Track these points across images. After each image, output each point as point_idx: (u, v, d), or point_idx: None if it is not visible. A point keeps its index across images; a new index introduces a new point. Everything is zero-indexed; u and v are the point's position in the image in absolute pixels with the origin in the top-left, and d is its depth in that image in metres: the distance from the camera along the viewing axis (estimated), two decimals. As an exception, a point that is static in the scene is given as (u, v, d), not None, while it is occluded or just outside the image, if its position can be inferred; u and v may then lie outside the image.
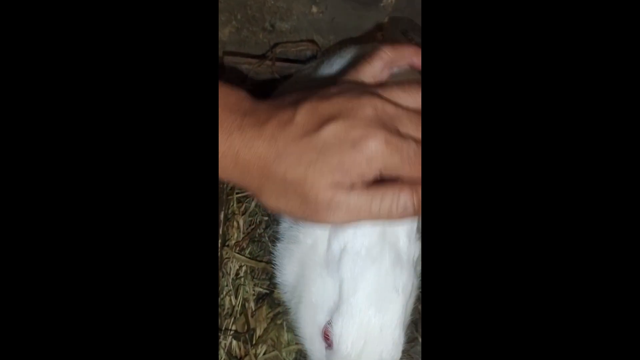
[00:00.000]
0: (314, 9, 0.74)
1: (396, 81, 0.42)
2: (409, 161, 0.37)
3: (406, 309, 0.43)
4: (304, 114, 0.37)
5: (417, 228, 0.44)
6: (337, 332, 0.42)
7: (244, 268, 0.63)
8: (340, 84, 0.41)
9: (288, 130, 0.37)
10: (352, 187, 0.37)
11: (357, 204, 0.36)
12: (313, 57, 0.71)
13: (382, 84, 0.41)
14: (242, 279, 0.62)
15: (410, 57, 0.43)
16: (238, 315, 0.61)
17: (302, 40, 0.72)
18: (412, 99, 0.40)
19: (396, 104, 0.39)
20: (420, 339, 0.59)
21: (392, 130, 0.37)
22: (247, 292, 0.62)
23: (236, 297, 0.61)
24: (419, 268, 0.45)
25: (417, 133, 0.38)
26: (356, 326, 0.41)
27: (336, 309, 0.42)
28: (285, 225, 0.50)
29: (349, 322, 0.41)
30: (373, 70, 0.42)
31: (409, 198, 0.36)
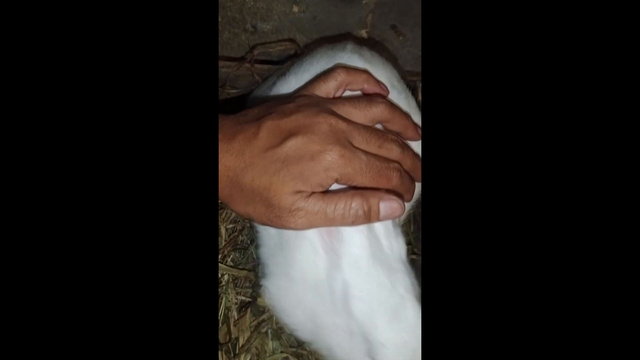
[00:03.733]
0: (295, 8, 0.73)
1: (347, 98, 0.46)
2: (360, 172, 0.41)
3: (417, 297, 0.44)
4: (267, 129, 0.41)
5: (395, 223, 0.45)
6: None
7: (225, 277, 0.61)
8: (298, 99, 0.45)
9: (254, 144, 0.41)
10: (311, 194, 0.40)
11: (314, 209, 0.40)
12: (293, 56, 0.69)
13: (334, 101, 0.45)
14: (224, 288, 0.61)
15: (362, 82, 0.47)
16: (220, 325, 0.60)
17: (281, 40, 0.70)
18: (363, 114, 0.44)
19: (348, 121, 0.43)
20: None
21: (345, 144, 0.41)
22: (229, 300, 0.61)
23: (218, 306, 0.60)
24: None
25: (367, 146, 0.42)
26: (400, 352, 0.42)
27: (372, 352, 0.43)
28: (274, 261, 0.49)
29: (393, 354, 0.42)
30: (327, 88, 0.46)
31: (360, 205, 0.40)
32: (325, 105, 0.43)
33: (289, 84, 0.48)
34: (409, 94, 0.50)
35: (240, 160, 0.41)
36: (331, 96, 0.46)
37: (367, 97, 0.46)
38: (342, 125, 0.42)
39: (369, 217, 0.41)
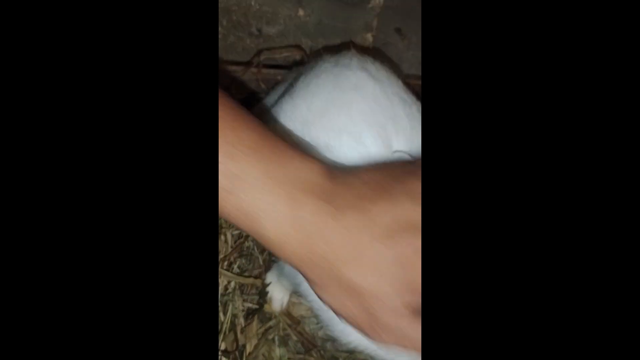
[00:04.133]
0: (301, 12, 0.72)
1: None
2: None
3: None
4: (386, 215, 0.34)
5: None
6: None
7: (232, 284, 0.62)
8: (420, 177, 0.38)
9: (367, 229, 0.34)
10: (417, 311, 0.34)
11: (413, 334, 0.34)
12: (299, 62, 0.69)
13: None
14: (231, 295, 0.61)
15: None
16: (227, 332, 0.60)
17: (287, 46, 0.70)
18: None
19: None
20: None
21: None
22: (235, 308, 0.61)
23: (224, 314, 0.60)
24: None
25: None
26: None
27: None
28: None
29: None
30: None
31: None
32: None
33: (299, 109, 0.45)
34: (419, 105, 0.49)
35: (348, 246, 0.34)
36: None
37: None
38: None
39: None
